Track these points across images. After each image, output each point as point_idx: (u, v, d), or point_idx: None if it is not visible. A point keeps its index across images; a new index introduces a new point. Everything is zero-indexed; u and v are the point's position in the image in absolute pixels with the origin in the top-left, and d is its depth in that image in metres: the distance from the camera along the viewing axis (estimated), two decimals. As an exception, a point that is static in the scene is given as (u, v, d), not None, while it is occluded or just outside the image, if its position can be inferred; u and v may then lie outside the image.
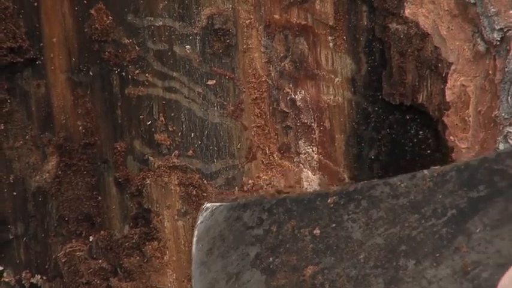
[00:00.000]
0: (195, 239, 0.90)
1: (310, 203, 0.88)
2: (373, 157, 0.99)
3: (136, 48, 0.98)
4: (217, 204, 0.91)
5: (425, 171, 0.87)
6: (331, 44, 0.98)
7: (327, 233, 0.87)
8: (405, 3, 0.95)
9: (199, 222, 0.91)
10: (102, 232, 1.01)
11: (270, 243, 0.88)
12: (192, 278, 0.90)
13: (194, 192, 0.99)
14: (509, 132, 0.93)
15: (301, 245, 0.87)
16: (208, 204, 0.91)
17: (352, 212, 0.87)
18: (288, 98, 0.99)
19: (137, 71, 0.99)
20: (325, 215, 0.87)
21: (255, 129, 0.99)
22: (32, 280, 1.02)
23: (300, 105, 0.98)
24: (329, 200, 0.88)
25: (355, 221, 0.86)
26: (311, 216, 0.88)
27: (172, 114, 0.99)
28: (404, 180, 0.87)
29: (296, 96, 0.99)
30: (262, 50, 0.98)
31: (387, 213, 0.86)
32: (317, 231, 0.87)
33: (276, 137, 0.99)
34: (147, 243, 1.00)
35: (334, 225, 0.87)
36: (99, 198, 1.01)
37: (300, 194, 0.90)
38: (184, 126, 0.99)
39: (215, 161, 0.99)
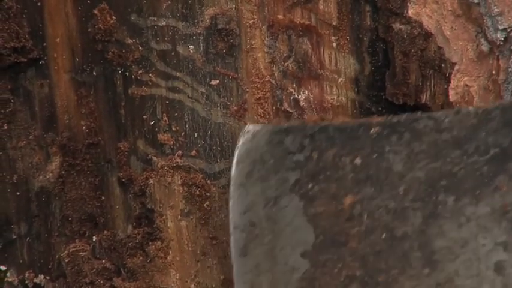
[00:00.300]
0: (235, 161, 0.88)
1: (352, 131, 0.87)
2: (376, 157, 0.99)
3: (140, 48, 0.98)
4: (259, 126, 0.90)
5: (470, 108, 0.86)
6: (334, 44, 0.98)
7: (368, 163, 0.85)
8: (408, 3, 0.95)
9: (240, 143, 0.89)
10: (105, 232, 1.01)
11: (310, 170, 0.86)
12: (230, 200, 0.89)
13: (197, 192, 0.99)
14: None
15: (341, 173, 0.86)
16: (251, 126, 0.90)
17: (394, 143, 0.85)
18: (292, 98, 0.99)
19: (140, 71, 0.99)
20: (367, 145, 0.86)
21: (258, 129, 0.99)
22: (35, 280, 1.02)
23: (303, 105, 0.98)
24: (372, 130, 0.86)
25: (397, 153, 0.85)
26: (353, 145, 0.86)
27: (176, 114, 0.99)
28: (449, 115, 0.86)
29: (299, 96, 0.99)
30: (265, 50, 0.98)
31: (429, 147, 0.85)
32: (358, 161, 0.86)
33: (279, 137, 0.99)
34: (150, 243, 1.00)
35: (375, 155, 0.85)
36: (103, 198, 1.01)
37: (343, 122, 0.89)
38: (187, 126, 0.99)
39: (218, 161, 0.99)
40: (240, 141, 0.89)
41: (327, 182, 0.86)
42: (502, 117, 0.85)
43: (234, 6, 0.97)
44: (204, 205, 1.00)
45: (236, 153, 0.89)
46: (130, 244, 1.00)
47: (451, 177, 0.84)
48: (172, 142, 0.99)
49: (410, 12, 0.95)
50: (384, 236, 0.85)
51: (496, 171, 0.84)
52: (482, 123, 0.85)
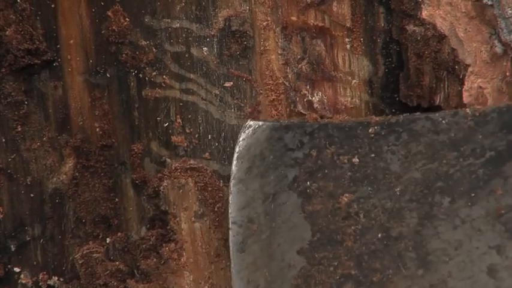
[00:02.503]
0: (235, 156, 0.90)
1: (351, 130, 0.88)
2: (390, 159, 0.99)
3: (154, 50, 0.98)
4: (260, 122, 0.90)
5: (468, 110, 0.87)
6: (348, 46, 0.98)
7: (366, 163, 0.86)
8: (422, 5, 0.95)
9: (241, 139, 0.90)
10: (119, 234, 1.01)
11: (309, 168, 0.87)
12: (230, 195, 0.89)
13: (211, 194, 0.99)
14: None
15: (339, 172, 0.87)
16: (251, 122, 0.90)
17: (392, 143, 0.86)
18: (305, 100, 0.99)
19: (154, 73, 0.99)
20: (365, 144, 0.87)
21: (272, 131, 0.99)
22: (49, 282, 1.02)
23: (317, 107, 0.98)
24: (370, 130, 0.87)
25: (394, 153, 0.86)
26: (351, 144, 0.87)
27: (190, 116, 0.99)
28: (446, 116, 0.86)
29: (313, 98, 0.99)
30: (279, 51, 0.98)
31: (426, 148, 0.86)
32: (356, 160, 0.86)
33: (293, 138, 0.99)
34: (164, 245, 1.00)
35: (373, 155, 0.86)
36: (116, 200, 1.01)
37: (342, 121, 0.89)
38: (201, 128, 0.99)
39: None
40: (241, 137, 0.89)
41: (325, 180, 0.87)
42: (498, 120, 0.85)
43: (247, 8, 0.97)
44: (218, 207, 1.00)
45: (236, 149, 0.89)
46: (144, 246, 1.00)
47: (447, 178, 0.85)
48: (186, 144, 0.99)
49: (424, 14, 0.95)
50: (379, 235, 0.86)
51: (492, 174, 0.84)
52: (479, 126, 0.85)
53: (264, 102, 0.99)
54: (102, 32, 0.98)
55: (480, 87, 0.96)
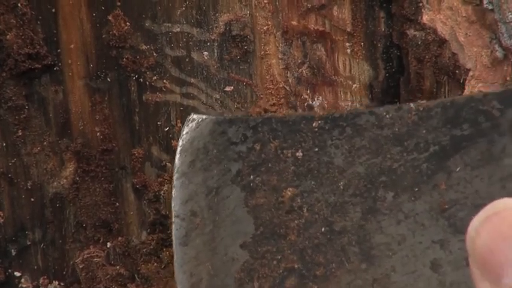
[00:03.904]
0: (178, 149, 0.90)
1: (295, 124, 0.88)
2: (390, 163, 0.99)
3: (154, 54, 0.98)
4: (204, 116, 0.90)
5: (411, 104, 0.87)
6: (348, 50, 0.98)
7: (309, 157, 0.87)
8: (423, 10, 0.95)
9: (184, 132, 0.90)
10: (119, 238, 1.01)
11: (252, 161, 0.88)
12: (173, 188, 0.89)
13: (212, 199, 0.99)
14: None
15: (282, 166, 0.87)
16: (195, 116, 0.91)
17: (336, 138, 0.87)
18: (306, 104, 0.99)
19: (155, 77, 0.99)
20: (309, 138, 0.87)
21: (272, 135, 0.99)
22: (49, 286, 1.02)
23: (317, 111, 0.98)
24: (314, 124, 0.87)
25: (338, 147, 0.86)
26: (295, 138, 0.87)
27: (190, 121, 0.99)
28: (390, 111, 0.87)
29: (314, 103, 0.99)
30: (279, 56, 0.98)
31: (370, 143, 0.86)
32: (299, 154, 0.87)
33: (293, 143, 0.99)
34: (164, 249, 1.00)
35: (317, 149, 0.86)
36: (117, 204, 1.01)
37: (285, 115, 0.90)
38: (202, 132, 0.99)
39: (233, 167, 0.99)
40: (184, 130, 0.89)
41: (268, 173, 0.87)
42: (442, 114, 0.86)
43: (248, 12, 0.97)
44: (218, 211, 1.00)
45: (179, 142, 0.89)
46: (144, 250, 1.00)
47: (391, 173, 0.85)
48: (186, 148, 0.99)
49: (425, 18, 0.95)
50: (323, 229, 0.86)
51: (435, 169, 0.84)
52: (422, 120, 0.86)
53: (264, 106, 0.99)
54: (103, 36, 0.98)
55: (481, 91, 0.96)
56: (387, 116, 0.86)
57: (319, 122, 0.87)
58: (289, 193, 0.87)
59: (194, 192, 0.88)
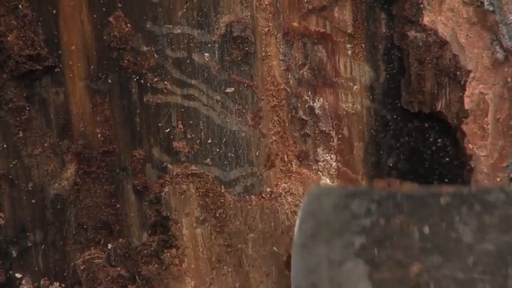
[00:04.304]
0: (298, 221, 0.88)
1: (421, 200, 0.86)
2: (391, 165, 0.99)
3: (155, 55, 0.98)
4: (325, 189, 0.89)
5: None
6: (349, 52, 0.98)
7: (437, 232, 0.85)
8: (424, 11, 0.95)
9: (304, 204, 0.89)
10: (120, 240, 1.01)
11: (377, 235, 0.86)
12: (292, 259, 0.88)
13: (212, 200, 0.99)
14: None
15: (408, 241, 0.85)
16: (316, 188, 0.90)
17: (465, 214, 0.85)
18: (307, 106, 0.99)
19: (156, 79, 0.99)
20: (436, 214, 0.86)
21: (273, 136, 0.99)
22: (50, 287, 1.02)
23: (318, 112, 0.98)
24: (441, 200, 0.86)
25: (467, 224, 0.85)
26: (421, 214, 0.86)
27: (191, 122, 0.99)
28: None
29: (314, 104, 0.99)
30: (280, 57, 0.98)
31: (500, 221, 0.84)
32: (426, 229, 0.85)
33: (294, 144, 0.99)
34: (165, 250, 1.00)
35: (444, 225, 0.85)
36: (118, 205, 1.01)
37: (411, 190, 0.88)
38: (202, 133, 0.99)
39: (234, 168, 0.99)
40: (305, 202, 0.88)
41: (393, 248, 0.85)
42: None
43: (249, 14, 0.97)
44: (219, 213, 1.00)
45: (300, 214, 0.88)
46: (145, 252, 1.00)
47: None
48: (187, 150, 0.99)
49: (426, 20, 0.95)
50: None
51: None
52: None
53: (265, 108, 0.99)
54: (104, 37, 0.98)
55: (481, 93, 0.96)
56: None
57: (447, 198, 0.86)
58: (415, 268, 0.85)
59: (316, 265, 0.87)
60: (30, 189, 1.00)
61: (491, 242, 0.84)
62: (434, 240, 0.85)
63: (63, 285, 1.02)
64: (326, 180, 0.99)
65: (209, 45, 0.98)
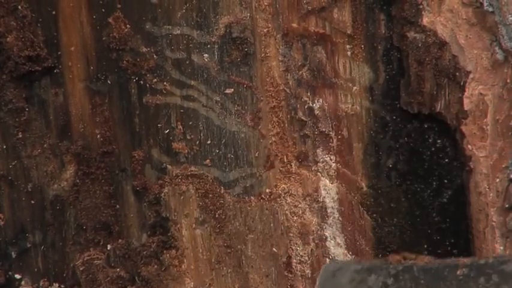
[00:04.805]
0: None
1: (438, 272, 0.87)
2: (391, 166, 0.99)
3: (154, 56, 0.98)
4: (340, 265, 0.89)
5: None
6: (349, 53, 0.98)
7: None
8: (423, 12, 0.95)
9: (320, 282, 0.89)
10: (120, 240, 1.01)
11: None
12: None
13: (212, 201, 0.99)
14: (529, 141, 0.93)
15: None
16: (330, 265, 0.90)
17: (483, 285, 0.85)
18: (306, 107, 0.99)
19: (155, 80, 0.99)
20: (454, 286, 0.86)
21: (273, 137, 0.99)
22: (49, 288, 1.02)
23: (317, 113, 0.99)
24: (458, 272, 0.86)
25: None
26: (439, 286, 0.86)
27: (190, 123, 0.99)
28: None
29: (314, 105, 0.99)
30: (280, 58, 0.98)
31: None
32: None
33: (293, 145, 0.99)
34: (165, 251, 1.00)
35: None
36: (117, 206, 1.01)
37: (427, 262, 0.89)
38: (202, 134, 0.99)
39: (233, 169, 0.99)
40: (319, 279, 0.89)
41: None
42: None
43: (248, 14, 0.97)
44: (218, 214, 1.00)
45: None
46: (144, 252, 1.00)
47: None
48: (186, 151, 0.99)
49: (425, 20, 0.95)
50: None
51: None
52: None
53: (264, 109, 0.99)
54: (103, 38, 0.98)
55: (481, 94, 0.96)
56: None
57: (464, 269, 0.86)
58: None
59: None
60: (30, 190, 1.00)
61: None
62: None
63: (62, 286, 1.02)
64: (325, 182, 0.99)
65: (208, 46, 0.98)
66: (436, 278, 0.86)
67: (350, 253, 1.01)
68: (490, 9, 0.94)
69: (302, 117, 0.99)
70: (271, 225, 1.00)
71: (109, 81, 0.99)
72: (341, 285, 0.87)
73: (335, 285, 0.87)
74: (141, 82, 0.99)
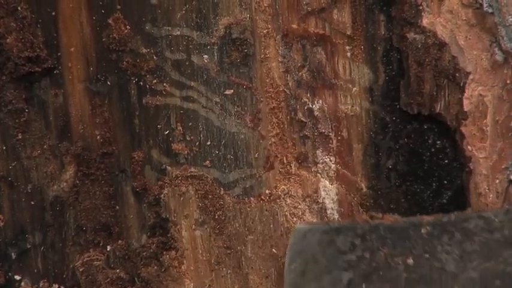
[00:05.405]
0: (287, 260, 0.90)
1: (403, 231, 0.88)
2: (390, 167, 0.99)
3: (154, 57, 0.98)
4: (310, 226, 0.91)
5: None
6: (348, 54, 0.98)
7: (420, 263, 0.87)
8: (423, 13, 0.95)
9: (291, 243, 0.90)
10: (119, 241, 1.01)
11: (363, 270, 0.88)
12: None
13: (212, 202, 0.99)
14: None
15: (394, 273, 0.87)
16: (301, 226, 0.91)
17: (446, 243, 0.87)
18: (306, 108, 0.99)
19: (155, 81, 0.99)
20: (419, 244, 0.87)
21: (272, 138, 0.99)
22: (49, 289, 1.02)
23: (317, 114, 0.99)
24: (423, 230, 0.87)
25: (449, 253, 0.86)
26: (404, 245, 0.87)
27: (190, 124, 0.99)
28: (499, 215, 0.87)
29: (314, 106, 0.99)
30: (279, 59, 0.98)
31: (481, 247, 0.86)
32: (410, 261, 0.87)
33: (293, 146, 0.99)
34: (164, 252, 1.00)
35: (427, 255, 0.87)
36: (117, 207, 1.01)
37: (393, 222, 0.90)
38: (202, 135, 0.99)
39: (233, 170, 0.99)
40: (291, 241, 0.89)
41: (380, 281, 0.87)
42: None
43: (248, 15, 0.97)
44: (218, 215, 1.00)
45: (288, 253, 0.89)
46: (144, 253, 1.00)
47: (505, 277, 0.85)
48: (186, 152, 0.99)
49: (425, 21, 0.95)
50: None
51: None
52: None
53: (264, 109, 0.99)
54: (103, 39, 0.98)
55: (481, 94, 0.96)
56: (496, 219, 0.87)
57: (428, 227, 0.87)
58: None
59: None
60: (30, 191, 1.00)
61: (474, 269, 0.85)
62: (419, 271, 0.86)
63: (62, 287, 1.02)
64: (325, 183, 0.99)
65: (208, 47, 0.98)
66: (402, 236, 0.87)
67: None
68: (490, 10, 0.94)
69: (302, 118, 0.99)
70: (271, 226, 1.00)
71: (109, 82, 0.99)
72: (311, 245, 0.88)
73: (305, 245, 0.88)
74: (141, 83, 0.99)
